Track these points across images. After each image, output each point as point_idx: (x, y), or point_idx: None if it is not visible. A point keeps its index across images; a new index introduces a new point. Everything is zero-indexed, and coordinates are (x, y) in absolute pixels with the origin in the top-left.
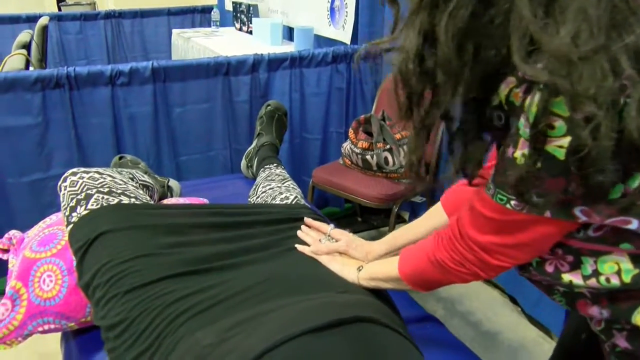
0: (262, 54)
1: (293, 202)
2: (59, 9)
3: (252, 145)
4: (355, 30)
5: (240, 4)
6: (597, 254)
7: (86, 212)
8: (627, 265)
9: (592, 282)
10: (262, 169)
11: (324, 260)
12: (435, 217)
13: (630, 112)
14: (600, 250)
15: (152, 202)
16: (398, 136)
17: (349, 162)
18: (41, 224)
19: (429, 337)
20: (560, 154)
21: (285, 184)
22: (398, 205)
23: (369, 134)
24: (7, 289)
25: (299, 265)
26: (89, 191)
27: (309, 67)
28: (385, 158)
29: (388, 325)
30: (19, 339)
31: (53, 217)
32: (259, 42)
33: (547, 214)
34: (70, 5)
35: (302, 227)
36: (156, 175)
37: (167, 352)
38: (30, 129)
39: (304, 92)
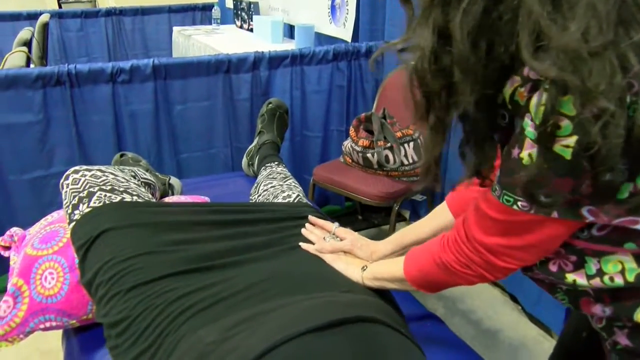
0: (263, 52)
1: (295, 201)
2: (60, 6)
3: (254, 144)
4: (356, 28)
5: (241, 1)
6: (600, 254)
7: (88, 209)
8: (631, 264)
9: (596, 281)
10: (263, 167)
11: (328, 258)
12: (440, 216)
13: (638, 109)
14: (604, 250)
15: (154, 200)
16: (399, 134)
17: (350, 160)
18: (43, 221)
19: (430, 336)
20: (567, 154)
21: (286, 182)
22: (399, 204)
23: (370, 132)
24: (9, 286)
25: (302, 264)
26: (91, 189)
27: (309, 64)
28: (386, 156)
29: (390, 325)
30: (21, 336)
31: (54, 215)
32: (259, 39)
33: (555, 214)
34: (71, 2)
35: (307, 225)
36: (157, 173)
37: (169, 350)
38: (31, 127)
39: (305, 89)
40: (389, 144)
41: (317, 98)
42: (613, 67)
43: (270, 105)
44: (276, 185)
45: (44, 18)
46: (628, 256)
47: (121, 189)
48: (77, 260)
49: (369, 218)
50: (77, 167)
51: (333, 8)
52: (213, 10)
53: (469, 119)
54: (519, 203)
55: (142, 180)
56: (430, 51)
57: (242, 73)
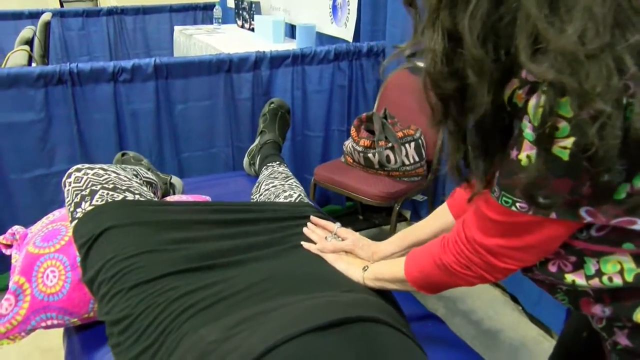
0: (264, 52)
1: (296, 200)
2: (62, 5)
3: (255, 143)
4: (358, 28)
5: (243, 1)
6: (599, 254)
7: (91, 207)
8: (629, 264)
9: (595, 281)
10: (264, 167)
11: (330, 258)
12: (441, 218)
13: (635, 111)
14: (603, 251)
15: (155, 199)
16: (400, 134)
17: (351, 160)
18: (44, 219)
19: (431, 335)
20: (565, 155)
21: (288, 182)
22: (400, 204)
23: (371, 132)
24: (11, 284)
25: (303, 263)
26: (93, 187)
27: (311, 64)
28: (387, 156)
29: (392, 324)
30: (22, 334)
31: (56, 213)
32: (260, 39)
33: (553, 215)
34: (72, 1)
35: (308, 224)
36: (159, 172)
37: (171, 348)
38: (32, 125)
39: (306, 89)
40: (390, 144)
41: (318, 98)
42: (609, 70)
43: (272, 105)
44: (277, 185)
45: (46, 17)
46: (627, 256)
47: (123, 188)
48: (79, 259)
49: (370, 218)
50: (79, 166)
51: (334, 8)
52: (214, 10)
53: (482, 123)
54: (518, 204)
55: (144, 179)
56: (441, 54)
57: (244, 72)
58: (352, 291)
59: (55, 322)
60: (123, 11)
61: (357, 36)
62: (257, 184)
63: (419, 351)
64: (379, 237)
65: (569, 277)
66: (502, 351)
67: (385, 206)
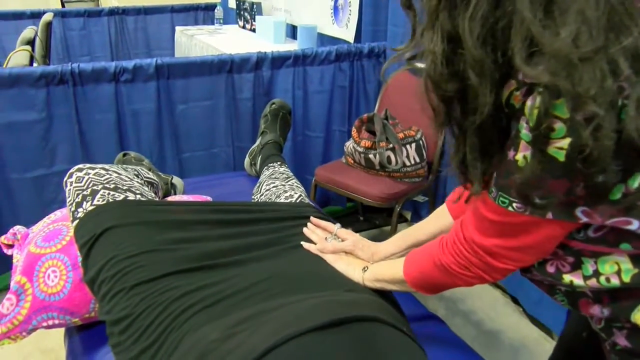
0: (265, 52)
1: (297, 201)
2: (63, 5)
3: (256, 143)
4: (359, 28)
5: (244, 1)
6: (597, 255)
7: (92, 207)
8: (627, 265)
9: (593, 282)
10: (265, 167)
11: (330, 259)
12: (441, 218)
13: (629, 113)
14: (601, 251)
15: (156, 199)
16: (401, 135)
17: (352, 161)
18: (46, 219)
19: (431, 336)
20: (561, 156)
21: (289, 183)
22: (400, 205)
23: (372, 132)
24: (12, 284)
25: (304, 263)
26: (94, 187)
27: (312, 65)
28: (388, 157)
29: (392, 324)
30: (24, 333)
31: (58, 213)
32: (262, 40)
33: (549, 215)
34: (73, 1)
35: (309, 225)
36: (160, 173)
37: (172, 347)
38: (34, 125)
39: (307, 90)
40: (391, 145)
41: (319, 98)
42: (603, 72)
43: (274, 105)
44: (278, 185)
45: (48, 17)
46: (624, 257)
47: (124, 188)
48: (80, 258)
49: (371, 219)
50: (80, 166)
51: (336, 9)
52: (216, 10)
53: (481, 124)
54: (514, 204)
55: (145, 179)
56: (442, 55)
57: (245, 73)
58: (353, 291)
59: (56, 322)
60: (124, 11)
61: (358, 37)
62: (258, 184)
63: (420, 351)
64: (379, 238)
65: (567, 278)
66: (503, 352)
67: (386, 207)
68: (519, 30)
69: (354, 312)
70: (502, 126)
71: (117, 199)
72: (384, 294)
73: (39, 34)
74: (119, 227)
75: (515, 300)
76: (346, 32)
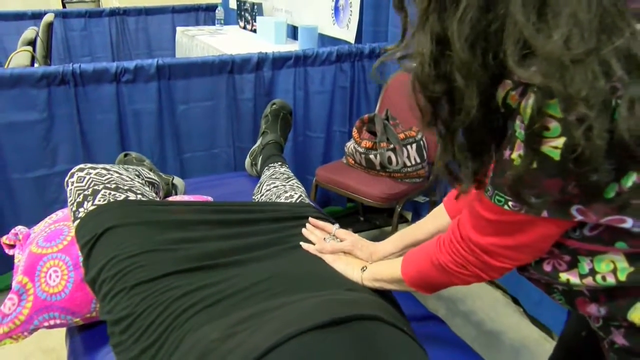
0: (266, 53)
1: (297, 201)
2: (64, 6)
3: (257, 144)
4: (360, 29)
5: (245, 2)
6: (593, 253)
7: (93, 207)
8: (622, 264)
9: (589, 280)
10: (266, 167)
11: (329, 259)
12: (439, 218)
13: (621, 113)
14: (597, 250)
15: (157, 199)
16: (402, 136)
17: (352, 161)
18: (47, 219)
19: (432, 336)
20: (556, 155)
21: (289, 183)
22: (401, 205)
23: (373, 133)
24: (14, 284)
25: (304, 263)
26: (96, 187)
27: (313, 65)
28: (389, 157)
29: (393, 323)
30: (25, 333)
31: (59, 213)
32: (263, 40)
33: (545, 214)
34: (74, 2)
35: (307, 225)
36: (161, 173)
37: (173, 347)
38: (35, 125)
39: (308, 90)
40: (391, 146)
41: (320, 99)
42: (595, 73)
43: (274, 106)
44: (279, 186)
45: (49, 17)
46: (620, 255)
47: (125, 188)
48: (81, 258)
49: (371, 219)
50: (82, 165)
51: (336, 9)
52: (216, 11)
53: (470, 124)
54: (510, 203)
55: (146, 179)
56: (429, 57)
57: (246, 73)
58: (354, 290)
59: (57, 321)
60: (125, 12)
61: (359, 37)
62: (258, 185)
63: (420, 350)
64: (380, 239)
65: (564, 276)
66: (503, 352)
67: (387, 207)
68: (511, 33)
69: (355, 311)
70: (493, 126)
71: (118, 199)
72: (384, 294)
73: (40, 34)
74: (120, 227)
75: (515, 301)
76: (347, 32)
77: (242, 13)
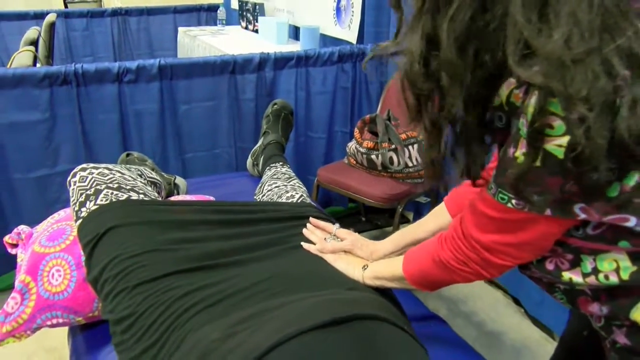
0: (268, 53)
1: (299, 201)
2: (66, 6)
3: (259, 144)
4: (361, 29)
5: (247, 2)
6: (595, 252)
7: (95, 207)
8: (625, 263)
9: (592, 279)
10: (268, 168)
11: (330, 258)
12: (440, 216)
13: (621, 113)
14: (599, 249)
15: (160, 199)
16: (403, 136)
17: (354, 162)
18: (50, 219)
19: (433, 335)
20: (560, 153)
21: (290, 183)
22: (402, 205)
23: (374, 133)
24: (17, 283)
25: (305, 262)
26: (98, 187)
27: (314, 66)
28: (391, 158)
29: (394, 322)
30: (28, 332)
31: (61, 213)
32: (264, 40)
33: (547, 212)
34: (76, 2)
35: (308, 225)
36: (163, 173)
37: (174, 346)
38: (37, 125)
39: (310, 91)
40: (393, 146)
41: (321, 99)
42: (595, 73)
43: (276, 106)
44: (280, 186)
45: (51, 18)
46: (623, 254)
47: (128, 187)
48: (83, 258)
49: (373, 219)
50: (84, 165)
51: (338, 10)
52: (218, 11)
53: (458, 121)
54: (513, 201)
55: (148, 179)
56: (419, 56)
57: (247, 74)
58: (354, 289)
59: (60, 320)
60: (127, 12)
61: (360, 38)
62: (260, 185)
63: (421, 349)
64: (381, 239)
65: (566, 275)
66: (504, 353)
67: (388, 208)
68: (511, 33)
69: (356, 310)
70: (494, 125)
71: (120, 199)
72: (385, 293)
73: (42, 34)
74: (122, 226)
75: (516, 301)
76: (349, 33)
77: (244, 13)
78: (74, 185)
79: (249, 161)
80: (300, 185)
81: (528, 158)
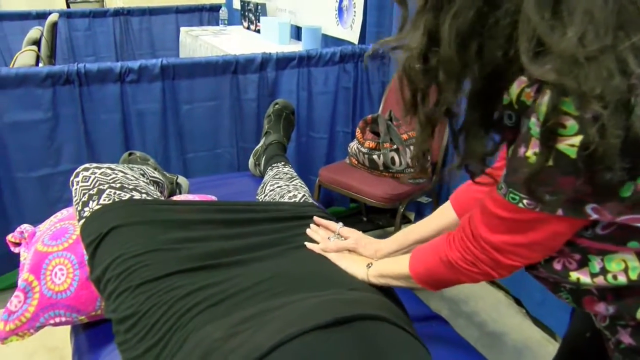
0: (270, 53)
1: (301, 200)
2: (68, 6)
3: (260, 144)
4: (363, 30)
5: (249, 2)
6: (604, 252)
7: (98, 206)
8: (634, 263)
9: (600, 280)
10: (269, 168)
11: (333, 257)
12: (444, 216)
13: (636, 111)
14: (608, 249)
15: (162, 198)
16: (405, 136)
17: (356, 162)
18: (52, 218)
19: (435, 335)
20: (572, 153)
21: (292, 183)
22: (404, 206)
23: (376, 133)
24: (20, 282)
25: (308, 262)
26: (101, 186)
27: (316, 66)
28: (392, 158)
29: (396, 323)
30: (31, 330)
31: (64, 212)
32: (266, 41)
33: (559, 212)
34: (78, 2)
35: (311, 225)
36: (165, 172)
37: (177, 346)
38: (40, 124)
39: (312, 91)
40: (395, 146)
41: (323, 99)
42: (610, 71)
43: (277, 106)
44: (282, 186)
45: (53, 17)
46: (631, 255)
47: (130, 187)
48: (86, 257)
49: (374, 219)
50: (87, 165)
51: (340, 10)
52: (220, 11)
53: (456, 117)
54: (525, 201)
55: (150, 178)
56: (419, 52)
57: (249, 74)
58: (356, 289)
59: (63, 319)
60: (129, 12)
61: (362, 38)
62: (262, 185)
63: (423, 349)
64: (382, 239)
65: (574, 275)
66: (506, 353)
67: (390, 208)
68: (524, 30)
69: (358, 310)
70: (503, 123)
71: (123, 198)
72: (387, 293)
73: (44, 34)
74: (125, 226)
75: (518, 302)
76: (350, 33)
77: (246, 13)
78: (77, 185)
79: (251, 161)
80: (303, 185)
81: (540, 158)
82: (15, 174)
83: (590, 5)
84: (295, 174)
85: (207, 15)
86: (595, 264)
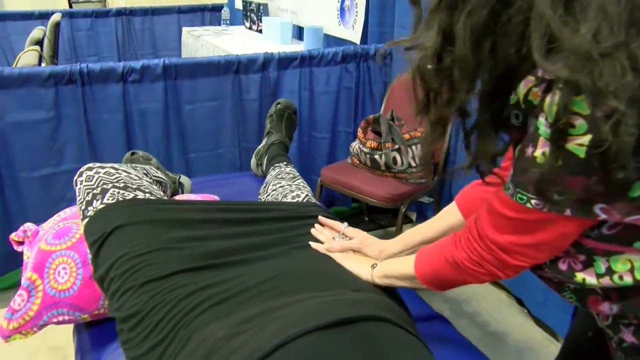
0: (272, 53)
1: (304, 200)
2: (70, 6)
3: (262, 144)
4: (365, 30)
5: (250, 2)
6: (609, 253)
7: (102, 206)
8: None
9: (606, 280)
10: (272, 167)
11: (338, 257)
12: (449, 216)
13: None
14: (613, 250)
15: (165, 198)
16: (407, 136)
17: (357, 162)
18: (56, 217)
19: (437, 335)
20: (581, 152)
21: (295, 182)
22: (406, 205)
23: (378, 133)
24: (23, 280)
25: (311, 262)
26: (104, 186)
27: (318, 66)
28: (394, 158)
29: (398, 323)
30: (34, 329)
31: (67, 211)
32: (268, 41)
33: (567, 212)
34: (81, 2)
35: (316, 225)
36: (168, 172)
37: (180, 344)
38: (42, 124)
39: (313, 91)
40: (396, 146)
41: (325, 99)
42: (624, 67)
43: (279, 105)
44: (285, 185)
45: (56, 17)
46: (637, 255)
47: (134, 187)
48: (89, 256)
49: (376, 219)
50: (90, 165)
51: (342, 10)
52: (222, 11)
53: (468, 116)
54: (533, 201)
55: (153, 178)
56: (433, 51)
57: (251, 74)
58: (360, 290)
59: (66, 317)
60: (131, 12)
61: (364, 38)
62: (264, 184)
63: (425, 350)
64: (384, 239)
65: (580, 276)
66: (508, 353)
67: (391, 208)
68: (537, 27)
69: (360, 311)
70: (512, 122)
71: (126, 198)
72: (390, 294)
73: (47, 34)
74: (129, 225)
75: (520, 302)
76: (352, 33)
77: (248, 13)
78: (81, 184)
79: (253, 161)
80: (305, 185)
81: (550, 158)
82: (18, 174)
83: (603, 2)
84: (298, 173)
85: (209, 16)
86: (601, 265)
